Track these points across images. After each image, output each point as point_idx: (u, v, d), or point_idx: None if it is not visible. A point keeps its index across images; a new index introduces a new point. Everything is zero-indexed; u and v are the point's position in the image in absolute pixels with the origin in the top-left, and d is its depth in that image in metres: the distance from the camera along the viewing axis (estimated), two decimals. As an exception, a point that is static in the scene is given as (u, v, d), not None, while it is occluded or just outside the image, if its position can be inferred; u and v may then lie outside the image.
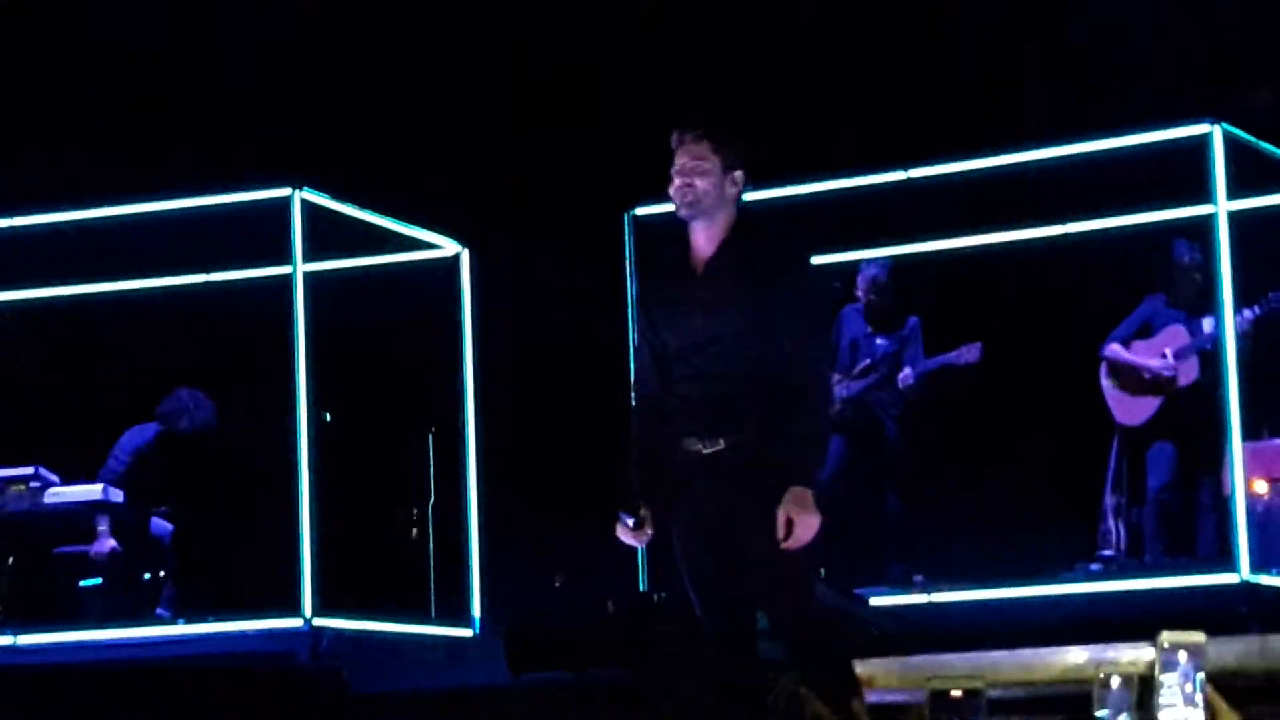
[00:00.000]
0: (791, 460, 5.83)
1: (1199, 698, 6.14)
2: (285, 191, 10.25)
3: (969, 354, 10.87)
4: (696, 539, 5.96)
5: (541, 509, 12.33)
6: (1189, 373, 10.38)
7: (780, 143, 11.70)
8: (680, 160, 6.04)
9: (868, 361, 11.10)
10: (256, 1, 13.21)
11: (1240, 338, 9.84)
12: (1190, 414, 10.28)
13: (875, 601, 9.70)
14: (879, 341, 11.16)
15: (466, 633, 10.78)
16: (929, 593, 10.09)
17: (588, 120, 12.90)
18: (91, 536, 10.54)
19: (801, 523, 5.76)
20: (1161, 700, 6.13)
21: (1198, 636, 6.22)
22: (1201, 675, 6.15)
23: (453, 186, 12.75)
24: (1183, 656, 6.14)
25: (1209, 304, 10.11)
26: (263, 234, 10.54)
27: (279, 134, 12.64)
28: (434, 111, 13.12)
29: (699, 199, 6.00)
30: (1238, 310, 9.88)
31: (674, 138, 6.07)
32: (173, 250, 11.21)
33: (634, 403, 6.13)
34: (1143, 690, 6.87)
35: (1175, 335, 10.47)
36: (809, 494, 5.78)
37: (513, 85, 13.27)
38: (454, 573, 10.94)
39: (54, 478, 10.58)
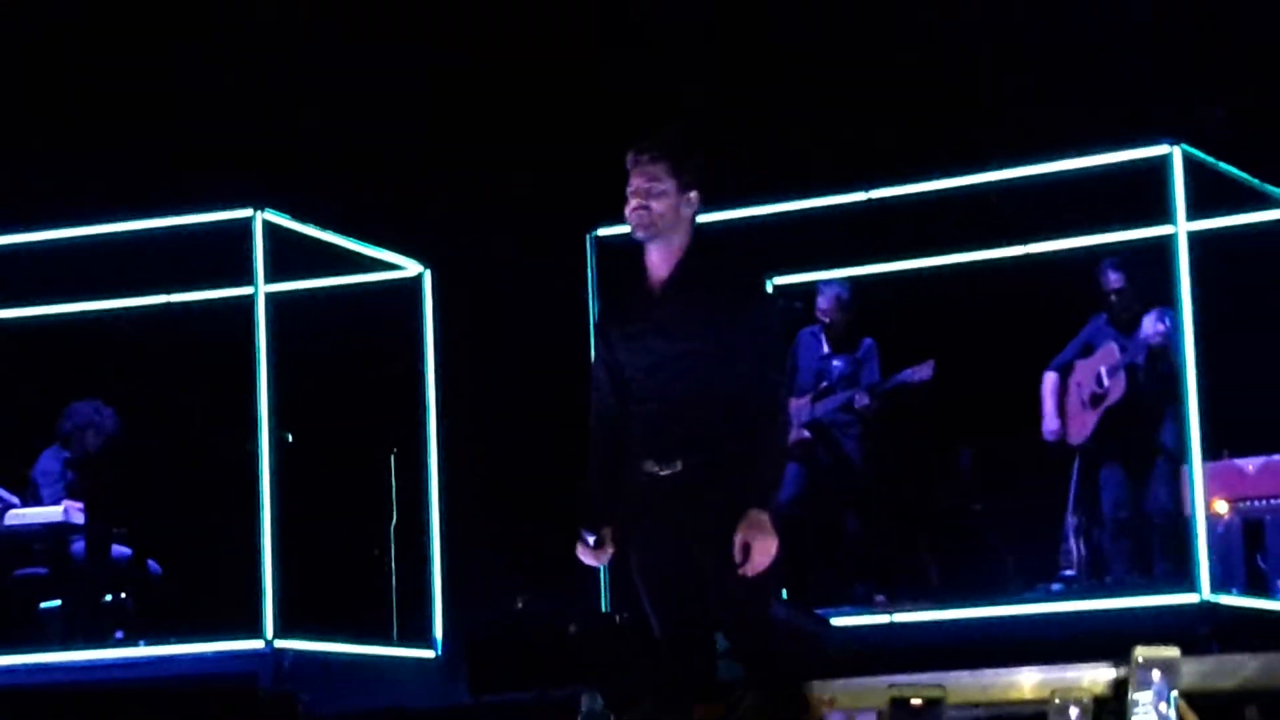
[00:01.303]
0: (749, 483, 5.79)
1: (1173, 714, 6.16)
2: (247, 212, 10.23)
3: (922, 371, 10.90)
4: (656, 560, 5.92)
5: (504, 530, 12.32)
6: (1117, 389, 10.49)
7: (740, 163, 11.75)
8: (635, 181, 5.95)
9: (825, 384, 11.11)
10: (218, 22, 13.20)
11: (1162, 350, 10.04)
12: (1124, 429, 10.41)
13: (837, 622, 9.71)
14: (835, 363, 11.18)
15: (428, 654, 10.76)
16: (890, 613, 10.10)
17: (550, 141, 12.91)
18: (51, 560, 10.53)
19: (758, 547, 5.71)
20: (1135, 717, 6.15)
21: (1171, 653, 6.25)
22: (1175, 693, 6.18)
23: (415, 207, 12.75)
24: (1156, 674, 6.16)
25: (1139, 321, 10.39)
26: (225, 255, 10.52)
27: (241, 155, 12.62)
28: (396, 132, 13.11)
29: (654, 221, 5.93)
30: (1158, 321, 10.09)
31: (629, 157, 5.99)
32: (134, 271, 11.18)
33: (591, 422, 6.08)
34: (1099, 711, 6.91)
35: (1109, 354, 10.60)
36: (765, 518, 5.74)
37: (475, 106, 13.28)
38: (416, 594, 10.93)
39: (14, 499, 10.54)
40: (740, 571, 5.71)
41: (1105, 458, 10.57)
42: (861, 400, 10.96)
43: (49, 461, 10.83)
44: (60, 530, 10.40)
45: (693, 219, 5.98)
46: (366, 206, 12.05)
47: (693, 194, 5.96)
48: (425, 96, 13.19)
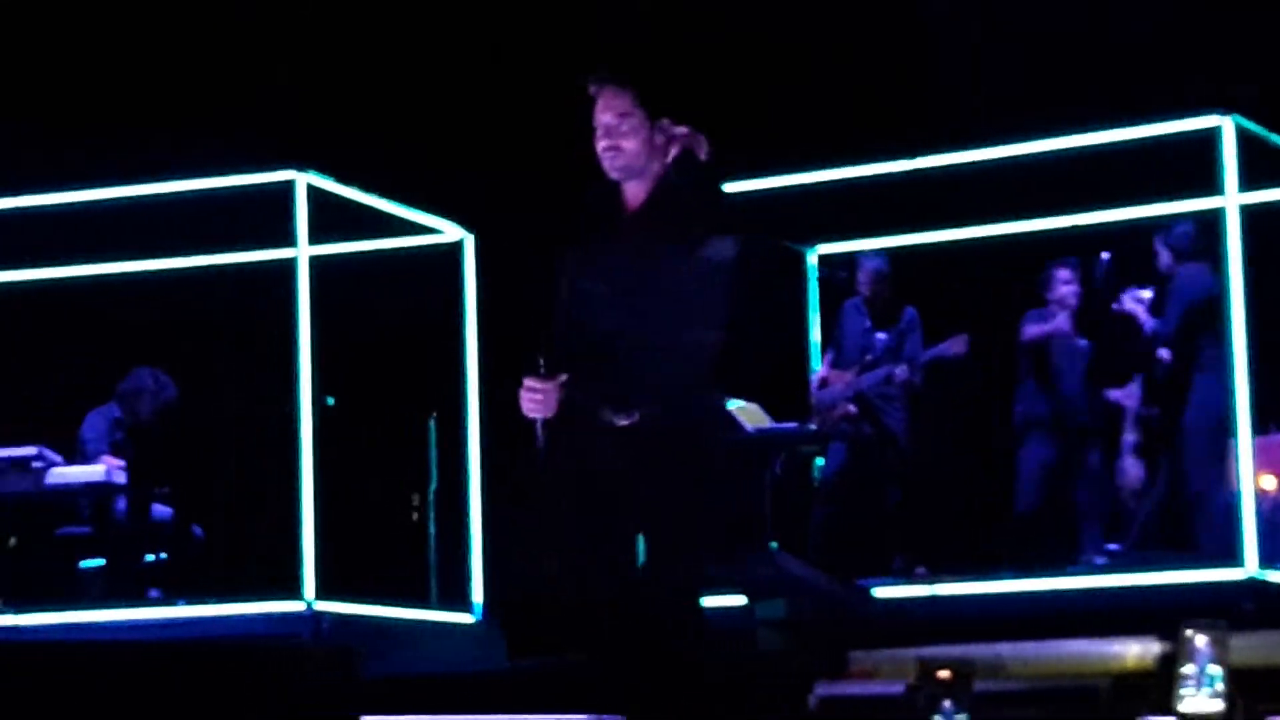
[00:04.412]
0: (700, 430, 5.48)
1: (1219, 688, 6.15)
2: (289, 175, 10.21)
3: (957, 345, 10.84)
4: (601, 509, 5.53)
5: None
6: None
7: (785, 131, 11.70)
8: (603, 117, 5.58)
9: (869, 358, 11.06)
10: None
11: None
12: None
13: (877, 593, 9.68)
14: (878, 336, 11.12)
15: (467, 618, 10.76)
16: (931, 585, 10.06)
17: (589, 105, 12.85)
18: (93, 519, 10.57)
19: None
20: (1182, 691, 6.14)
21: (1219, 627, 6.22)
22: (1222, 668, 6.16)
23: (457, 171, 12.72)
24: (1204, 649, 6.14)
25: None
26: (267, 217, 10.51)
27: (283, 117, 12.61)
28: (440, 95, 13.08)
29: (629, 162, 5.57)
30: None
31: (591, 87, 5.60)
32: (176, 233, 11.17)
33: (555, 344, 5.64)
34: (1144, 685, 6.89)
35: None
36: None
37: (518, 69, 13.24)
38: (456, 558, 10.92)
39: (57, 458, 10.54)
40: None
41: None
42: (900, 374, 10.89)
43: (97, 419, 10.87)
44: (102, 490, 10.41)
45: (667, 145, 5.59)
46: (409, 170, 12.03)
47: (664, 120, 5.58)
48: (469, 59, 13.15)
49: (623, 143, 5.56)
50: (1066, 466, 10.81)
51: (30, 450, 10.38)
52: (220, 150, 11.58)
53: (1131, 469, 10.78)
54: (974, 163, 10.47)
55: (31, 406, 11.54)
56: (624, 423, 5.48)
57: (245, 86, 12.94)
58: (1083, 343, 10.87)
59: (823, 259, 12.05)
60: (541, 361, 5.48)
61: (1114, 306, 10.58)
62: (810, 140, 11.83)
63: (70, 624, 9.91)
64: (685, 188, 5.55)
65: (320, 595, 9.76)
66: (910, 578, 10.35)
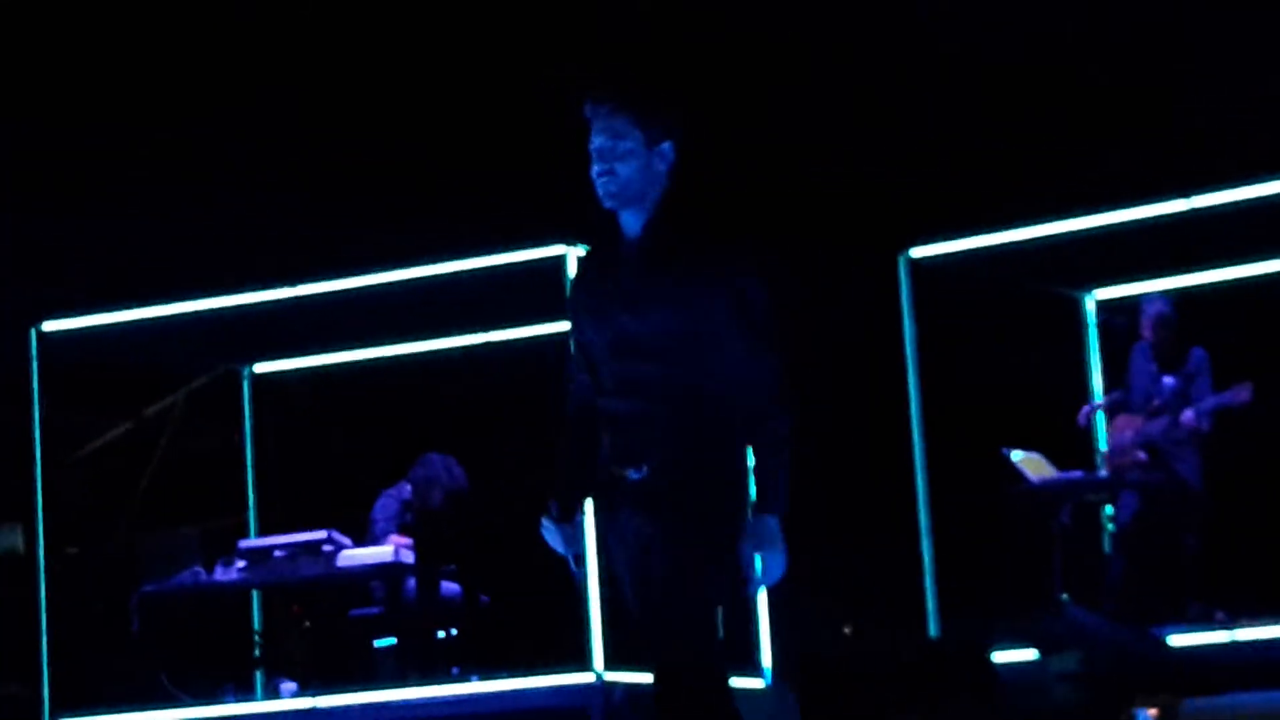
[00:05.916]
0: (761, 487, 5.13)
1: None
2: (560, 250, 10.30)
3: (1241, 394, 10.56)
4: (621, 572, 5.22)
5: (829, 554, 12.23)
6: None
7: (1056, 177, 11.56)
8: (598, 140, 5.16)
9: (1156, 403, 10.84)
10: (523, 62, 13.36)
11: None
12: None
13: (1173, 640, 9.47)
14: (1166, 380, 10.89)
15: (758, 683, 10.71)
16: (1231, 630, 9.81)
17: (859, 159, 12.83)
18: (385, 599, 10.72)
19: (771, 562, 5.07)
20: None
21: None
22: None
23: (723, 228, 12.74)
24: None
25: None
26: (542, 292, 10.62)
27: (550, 192, 12.75)
28: (700, 157, 13.12)
29: (623, 189, 5.15)
30: None
31: (586, 107, 5.19)
32: (455, 313, 11.33)
33: (568, 409, 5.33)
34: None
35: None
36: (777, 526, 5.10)
37: (782, 128, 13.26)
38: (743, 621, 10.88)
39: (346, 541, 10.73)
40: (750, 590, 5.11)
41: None
42: (1187, 419, 10.65)
43: (389, 501, 11.06)
44: (392, 570, 10.56)
45: (668, 173, 5.22)
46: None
47: (664, 145, 5.20)
48: (725, 121, 13.21)
49: (618, 167, 5.16)
50: None
51: (320, 534, 10.57)
52: (491, 229, 11.75)
53: None
54: (1250, 199, 10.23)
55: (319, 489, 11.76)
56: (636, 477, 5.14)
57: (511, 165, 13.12)
58: None
59: (1101, 304, 11.87)
60: (554, 505, 5.26)
61: None
62: (1083, 185, 11.68)
63: (366, 704, 10.06)
64: (689, 212, 5.24)
65: (610, 665, 9.78)
66: (1209, 624, 10.10)
